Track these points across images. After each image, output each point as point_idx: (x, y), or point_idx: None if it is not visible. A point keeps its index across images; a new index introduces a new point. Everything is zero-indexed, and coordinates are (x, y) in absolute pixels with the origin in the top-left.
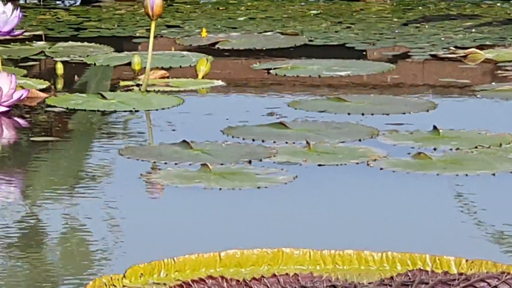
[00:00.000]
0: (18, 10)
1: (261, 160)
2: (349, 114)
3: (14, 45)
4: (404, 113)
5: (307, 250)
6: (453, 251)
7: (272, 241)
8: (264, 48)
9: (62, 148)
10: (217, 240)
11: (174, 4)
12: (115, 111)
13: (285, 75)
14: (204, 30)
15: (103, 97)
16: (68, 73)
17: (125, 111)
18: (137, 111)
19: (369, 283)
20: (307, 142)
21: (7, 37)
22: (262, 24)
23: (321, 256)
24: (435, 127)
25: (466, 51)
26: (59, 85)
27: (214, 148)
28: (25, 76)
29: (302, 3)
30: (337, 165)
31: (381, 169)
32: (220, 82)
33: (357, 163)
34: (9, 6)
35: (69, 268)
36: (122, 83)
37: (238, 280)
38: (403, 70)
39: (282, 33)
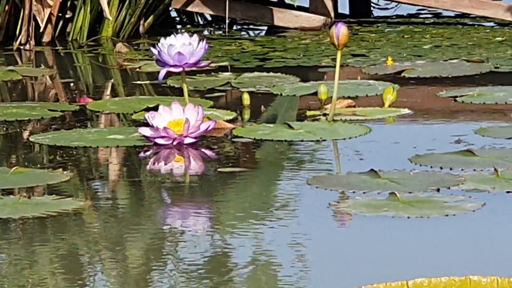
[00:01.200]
0: (204, 41)
1: (449, 188)
2: None
3: (200, 76)
4: None
5: (494, 278)
6: None
7: (460, 268)
8: (449, 76)
9: (250, 178)
10: (405, 268)
11: (359, 33)
12: (302, 141)
13: (471, 102)
14: (389, 58)
15: (290, 127)
16: (254, 103)
17: (312, 140)
18: (324, 140)
19: None
20: (495, 169)
21: (193, 68)
22: (448, 52)
23: (509, 284)
24: None
25: None
26: (246, 116)
27: (402, 176)
28: (211, 107)
29: (487, 30)
30: None
31: None
32: (406, 111)
33: None
34: (195, 37)
35: None
36: (308, 113)
37: None
38: None
39: (467, 61)
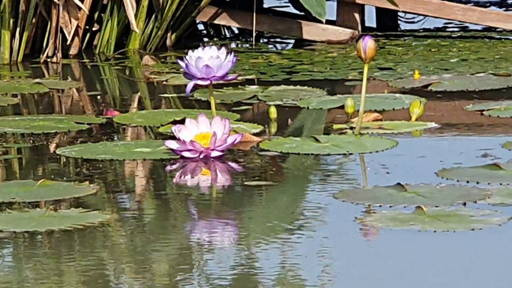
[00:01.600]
0: (232, 55)
1: (475, 202)
2: None
3: (227, 89)
4: None
5: None
6: None
7: (486, 283)
8: (476, 90)
9: (276, 192)
10: (431, 282)
11: (386, 47)
12: (328, 154)
13: (498, 116)
14: (416, 72)
15: (317, 140)
16: (281, 116)
17: (339, 154)
18: (351, 154)
19: None
20: None
21: (220, 81)
22: (475, 65)
23: None
24: None
25: None
26: (273, 129)
27: (428, 190)
28: (238, 120)
29: None
30: None
31: None
32: (433, 124)
33: None
34: (223, 50)
35: None
36: (335, 126)
37: None
38: None
39: (494, 74)
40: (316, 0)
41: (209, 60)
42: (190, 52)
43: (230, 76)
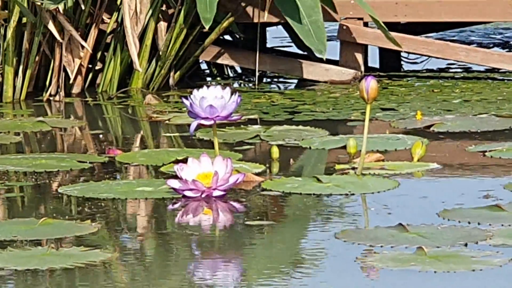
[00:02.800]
0: (236, 95)
1: (477, 243)
2: None
3: (229, 129)
4: None
5: None
6: None
7: None
8: (479, 131)
9: (278, 231)
10: None
11: (389, 87)
12: (330, 195)
13: (500, 157)
14: (419, 112)
15: (319, 180)
16: (283, 156)
17: (341, 194)
18: (353, 194)
19: None
20: None
21: (224, 121)
22: (477, 106)
23: None
24: None
25: None
26: (275, 169)
27: (430, 231)
28: (240, 160)
29: None
30: None
31: None
32: (435, 165)
33: None
34: (228, 90)
35: None
36: (337, 167)
37: None
38: None
39: (497, 115)
40: (317, 37)
41: (213, 100)
42: (194, 91)
43: (234, 117)
